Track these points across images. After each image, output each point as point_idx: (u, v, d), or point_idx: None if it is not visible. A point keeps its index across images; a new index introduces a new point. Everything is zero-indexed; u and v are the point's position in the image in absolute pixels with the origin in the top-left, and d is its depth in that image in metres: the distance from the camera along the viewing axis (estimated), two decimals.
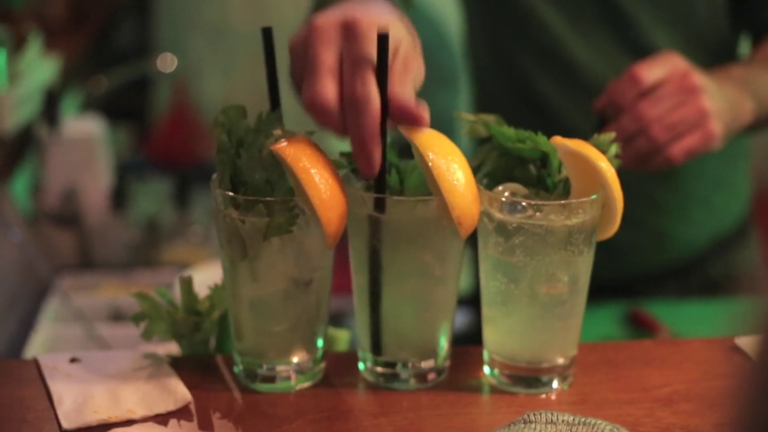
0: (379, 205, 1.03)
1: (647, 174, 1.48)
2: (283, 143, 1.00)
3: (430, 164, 1.01)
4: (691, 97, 1.32)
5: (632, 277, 1.80)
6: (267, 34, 1.06)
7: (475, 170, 1.04)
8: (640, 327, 1.77)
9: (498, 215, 1.04)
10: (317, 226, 1.01)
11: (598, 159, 1.03)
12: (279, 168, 1.01)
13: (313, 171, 0.99)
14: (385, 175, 1.02)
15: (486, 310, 1.09)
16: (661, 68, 1.33)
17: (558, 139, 1.04)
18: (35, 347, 1.70)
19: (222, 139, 1.02)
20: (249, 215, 1.01)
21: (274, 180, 1.01)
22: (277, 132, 1.01)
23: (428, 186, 1.03)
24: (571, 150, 1.03)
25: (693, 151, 1.32)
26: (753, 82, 1.45)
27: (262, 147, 1.01)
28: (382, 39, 0.97)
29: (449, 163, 1.01)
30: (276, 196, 1.01)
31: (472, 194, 1.01)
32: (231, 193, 1.01)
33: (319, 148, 1.01)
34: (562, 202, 1.03)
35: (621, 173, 1.04)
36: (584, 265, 1.06)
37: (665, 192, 1.74)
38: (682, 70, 1.32)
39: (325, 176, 0.99)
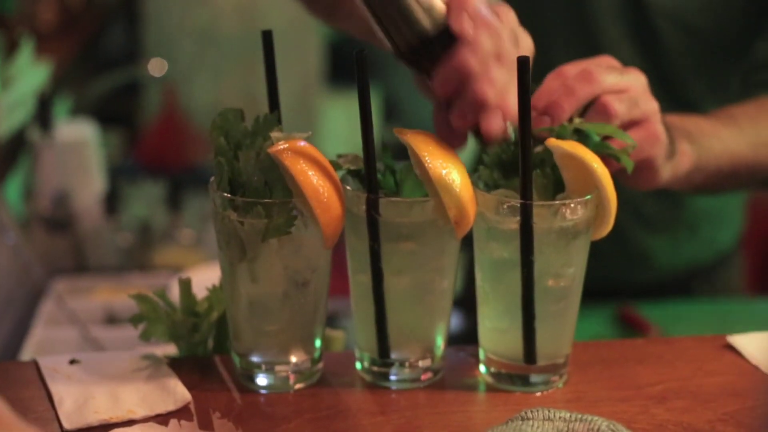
0: (375, 206, 1.04)
1: (641, 192, 1.47)
2: (281, 146, 1.01)
3: (426, 166, 1.02)
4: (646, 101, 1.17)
5: (616, 285, 1.81)
6: (267, 36, 1.07)
7: (471, 170, 1.05)
8: (630, 326, 1.79)
9: (493, 216, 1.05)
10: (315, 228, 1.02)
11: (591, 160, 1.04)
12: (277, 170, 1.02)
13: (310, 173, 1.00)
14: (376, 175, 1.04)
15: (481, 309, 1.10)
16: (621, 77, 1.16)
17: (552, 141, 1.05)
18: (30, 350, 1.71)
19: (220, 142, 1.03)
20: (248, 217, 1.02)
21: (272, 182, 1.02)
22: (275, 134, 1.02)
23: (424, 187, 1.05)
24: (566, 151, 1.04)
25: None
26: (706, 134, 1.30)
27: (260, 149, 1.02)
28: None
29: (445, 164, 1.02)
30: (274, 197, 1.02)
31: (468, 195, 1.03)
32: (229, 195, 1.02)
33: (316, 150, 1.02)
34: (556, 202, 1.05)
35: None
36: (578, 265, 1.08)
37: (655, 212, 1.75)
38: (643, 87, 1.17)
39: (323, 178, 1.00)
